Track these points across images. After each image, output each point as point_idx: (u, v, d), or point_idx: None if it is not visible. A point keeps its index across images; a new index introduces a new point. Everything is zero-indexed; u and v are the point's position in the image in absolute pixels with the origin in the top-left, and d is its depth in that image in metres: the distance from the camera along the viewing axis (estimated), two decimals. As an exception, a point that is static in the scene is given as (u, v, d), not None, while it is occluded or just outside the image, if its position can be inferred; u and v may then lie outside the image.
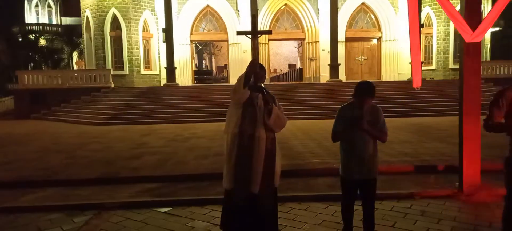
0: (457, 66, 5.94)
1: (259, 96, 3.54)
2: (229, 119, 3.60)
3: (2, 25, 32.48)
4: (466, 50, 5.09)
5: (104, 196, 5.52)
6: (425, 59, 21.48)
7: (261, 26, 21.15)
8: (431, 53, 21.63)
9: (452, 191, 5.25)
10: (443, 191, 5.29)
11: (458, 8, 5.18)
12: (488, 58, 22.38)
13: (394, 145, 8.18)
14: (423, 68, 19.92)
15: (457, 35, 18.26)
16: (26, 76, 19.02)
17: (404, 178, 6.01)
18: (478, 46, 5.10)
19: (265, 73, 3.75)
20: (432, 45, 21.55)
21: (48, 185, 6.06)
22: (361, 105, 3.44)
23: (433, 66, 21.47)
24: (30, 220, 4.74)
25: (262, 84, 3.66)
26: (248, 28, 19.68)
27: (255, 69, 3.45)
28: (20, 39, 33.97)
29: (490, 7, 20.70)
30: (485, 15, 5.05)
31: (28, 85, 18.57)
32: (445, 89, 16.63)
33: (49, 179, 6.33)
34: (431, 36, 21.48)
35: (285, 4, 22.54)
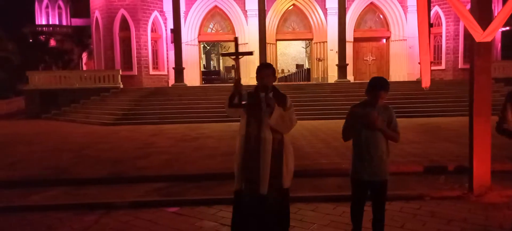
0: (467, 66, 5.87)
1: (265, 97, 3.53)
2: (241, 122, 3.68)
3: (13, 26, 32.90)
4: (476, 50, 5.03)
5: (113, 195, 5.56)
6: (434, 59, 21.27)
7: (268, 26, 21.13)
8: (441, 53, 21.41)
9: (462, 192, 5.19)
10: (453, 192, 5.24)
11: (468, 7, 5.13)
12: (499, 58, 22.11)
13: (403, 145, 8.11)
14: (433, 68, 19.73)
15: (467, 35, 18.05)
16: (36, 76, 19.21)
17: (414, 179, 5.97)
18: (488, 45, 5.04)
19: (272, 72, 3.62)
20: (441, 45, 21.34)
21: (58, 184, 6.12)
22: (375, 102, 3.37)
23: (443, 66, 21.25)
24: (40, 219, 4.79)
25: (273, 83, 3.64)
26: (256, 29, 19.77)
27: (238, 89, 3.54)
28: (30, 40, 34.32)
29: (500, 6, 20.44)
30: (496, 14, 4.99)
31: (39, 85, 18.75)
32: (455, 90, 16.45)
33: (58, 178, 6.40)
34: (441, 36, 21.26)
35: (293, 4, 22.49)
